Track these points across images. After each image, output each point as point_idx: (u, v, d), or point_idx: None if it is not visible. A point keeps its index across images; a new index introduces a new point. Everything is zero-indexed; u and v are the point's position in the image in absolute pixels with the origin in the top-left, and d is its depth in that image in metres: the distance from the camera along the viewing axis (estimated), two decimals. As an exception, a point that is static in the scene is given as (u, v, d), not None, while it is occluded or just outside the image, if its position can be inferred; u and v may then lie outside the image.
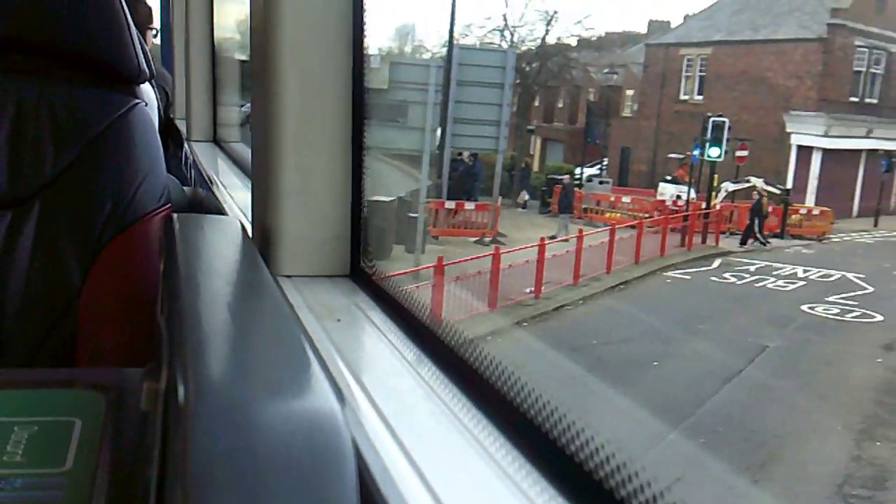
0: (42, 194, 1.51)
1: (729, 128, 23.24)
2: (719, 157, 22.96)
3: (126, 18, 1.57)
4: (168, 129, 2.82)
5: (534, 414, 0.60)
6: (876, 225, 25.02)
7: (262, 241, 1.08)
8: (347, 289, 1.01)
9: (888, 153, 24.85)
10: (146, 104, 1.73)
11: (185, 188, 2.41)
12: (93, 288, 1.51)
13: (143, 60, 1.64)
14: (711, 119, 23.28)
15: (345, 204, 1.05)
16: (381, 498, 0.50)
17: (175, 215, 1.07)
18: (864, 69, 26.48)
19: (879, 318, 13.16)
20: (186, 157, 2.86)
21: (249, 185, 2.08)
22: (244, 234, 1.00)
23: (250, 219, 1.21)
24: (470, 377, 0.69)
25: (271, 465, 0.43)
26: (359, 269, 1.05)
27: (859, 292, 15.17)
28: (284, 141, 1.03)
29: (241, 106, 3.27)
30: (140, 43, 1.64)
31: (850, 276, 16.50)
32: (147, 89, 2.24)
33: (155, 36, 3.34)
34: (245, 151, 2.74)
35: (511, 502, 0.52)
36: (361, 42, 1.03)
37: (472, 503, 0.51)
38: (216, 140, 3.03)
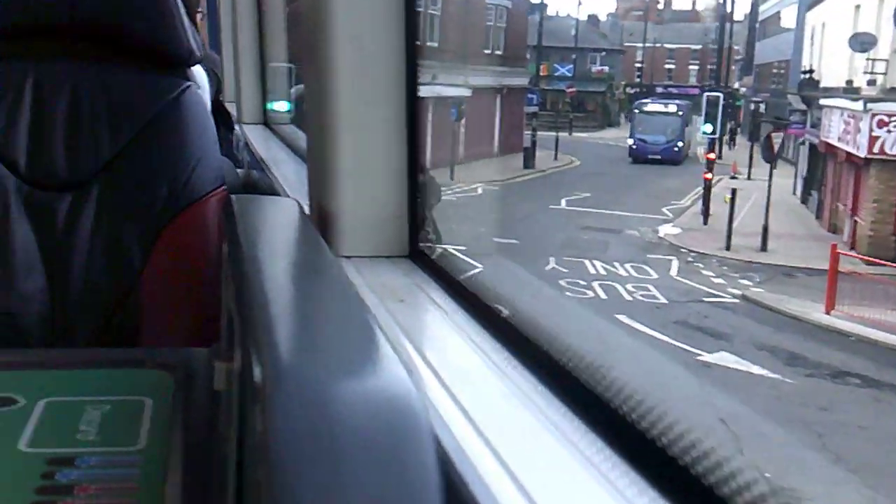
0: (100, 177, 1.55)
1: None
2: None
3: (176, 1, 1.58)
4: (218, 112, 2.85)
5: (610, 397, 0.59)
6: (452, 178, 21.51)
7: (319, 222, 1.09)
8: (407, 269, 1.01)
9: (455, 100, 21.86)
10: (198, 87, 1.76)
11: (238, 170, 2.44)
12: (154, 269, 1.54)
13: (194, 43, 1.66)
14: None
15: (401, 184, 1.05)
16: (459, 476, 0.50)
17: (233, 196, 1.08)
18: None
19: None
20: (238, 140, 2.89)
21: (301, 167, 2.10)
22: (302, 215, 1.01)
23: (307, 199, 1.22)
24: (539, 357, 0.68)
25: (351, 444, 0.43)
26: (417, 250, 1.05)
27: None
28: (340, 121, 1.03)
29: (292, 88, 3.29)
30: (190, 26, 1.66)
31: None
32: (198, 72, 2.27)
33: (202, 19, 3.37)
34: (296, 133, 2.76)
35: (586, 480, 0.51)
36: (414, 19, 1.02)
37: (549, 481, 0.51)
38: (266, 122, 3.06)
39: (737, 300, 13.63)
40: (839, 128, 19.61)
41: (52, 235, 1.54)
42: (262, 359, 0.50)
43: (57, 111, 1.55)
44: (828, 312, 12.68)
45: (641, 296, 13.55)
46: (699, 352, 10.80)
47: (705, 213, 20.58)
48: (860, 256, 14.96)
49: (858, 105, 17.53)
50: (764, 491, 0.45)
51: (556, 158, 29.79)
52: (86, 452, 0.92)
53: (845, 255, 14.30)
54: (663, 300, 13.35)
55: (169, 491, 0.83)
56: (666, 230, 19.55)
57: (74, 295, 1.54)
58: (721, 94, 24.35)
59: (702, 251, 17.34)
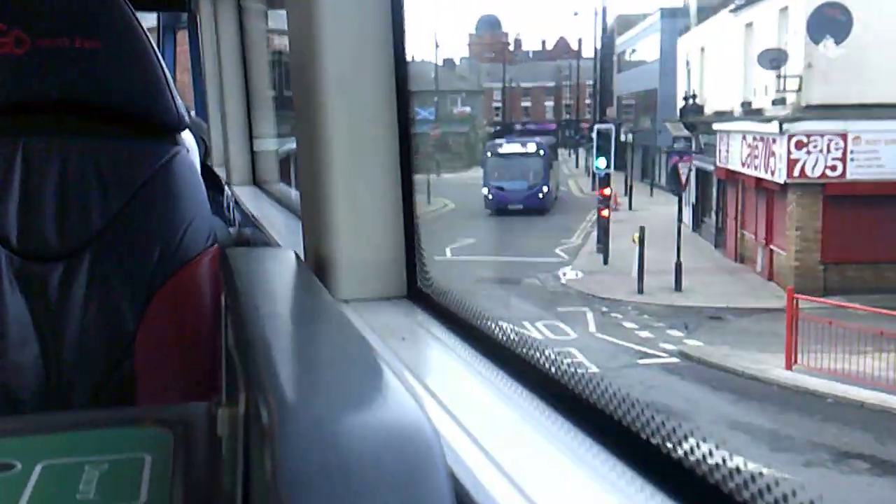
0: (92, 245, 1.55)
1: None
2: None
3: (163, 70, 1.61)
4: (207, 176, 2.88)
5: (620, 415, 0.58)
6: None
7: (317, 269, 1.09)
8: (407, 309, 1.01)
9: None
10: (188, 150, 1.77)
11: (230, 229, 2.44)
12: (148, 331, 1.53)
13: (183, 109, 1.69)
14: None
15: (397, 226, 1.06)
16: (472, 501, 0.50)
17: (229, 250, 1.08)
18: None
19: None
20: (228, 201, 2.91)
21: (293, 220, 2.11)
22: (299, 262, 1.01)
23: (302, 249, 1.22)
24: (547, 384, 0.68)
25: (365, 478, 0.42)
26: (416, 290, 1.05)
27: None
28: (333, 168, 1.04)
29: (278, 150, 3.32)
30: (177, 92, 1.68)
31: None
32: (187, 136, 2.29)
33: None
34: (286, 190, 2.77)
35: (600, 494, 0.50)
36: (404, 64, 1.04)
37: (559, 499, 0.50)
38: (256, 182, 3.08)
39: (676, 359, 11.58)
40: (742, 152, 18.21)
41: (44, 305, 1.53)
42: (268, 399, 0.50)
43: (46, 184, 1.56)
44: (789, 368, 10.81)
45: (567, 366, 11.77)
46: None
47: (605, 252, 19.01)
48: (820, 299, 12.70)
49: (771, 127, 16.03)
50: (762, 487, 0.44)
51: (429, 202, 26.17)
52: (86, 514, 0.90)
53: (808, 299, 12.09)
54: (593, 368, 10.93)
55: None
56: (568, 275, 17.92)
57: (69, 362, 1.53)
58: (613, 126, 22.92)
59: (614, 297, 15.63)
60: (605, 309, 14.84)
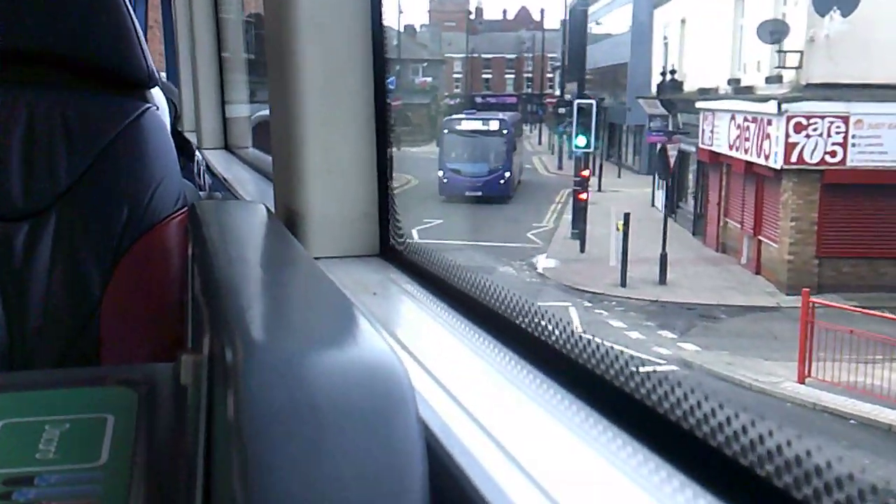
0: (58, 204, 1.51)
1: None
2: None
3: (134, 23, 1.56)
4: (178, 142, 2.83)
5: (584, 359, 0.58)
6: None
7: (287, 224, 1.06)
8: (379, 266, 1.00)
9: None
10: (157, 108, 1.73)
11: (200, 192, 2.40)
12: (114, 293, 1.50)
13: (153, 65, 1.64)
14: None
15: (371, 182, 1.04)
16: (443, 448, 0.49)
17: (198, 203, 1.05)
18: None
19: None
20: (199, 167, 2.85)
21: (264, 183, 2.07)
22: (270, 215, 0.99)
23: (273, 206, 1.19)
24: (517, 335, 0.67)
25: (332, 414, 0.41)
26: (389, 248, 1.03)
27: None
28: (307, 120, 1.02)
29: (251, 115, 3.27)
30: (147, 48, 1.64)
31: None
32: (158, 94, 2.24)
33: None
34: (258, 155, 2.73)
35: (568, 438, 0.50)
36: (381, 17, 1.01)
37: (532, 444, 0.49)
38: (227, 147, 3.03)
39: (674, 366, 10.33)
40: (729, 134, 16.39)
41: (9, 265, 1.49)
42: (234, 339, 0.48)
43: (12, 139, 1.52)
44: (802, 381, 9.60)
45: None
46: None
47: (581, 238, 17.53)
48: (841, 305, 11.03)
49: (767, 106, 14.29)
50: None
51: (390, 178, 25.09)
52: (45, 471, 0.88)
53: (835, 306, 10.65)
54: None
55: (133, 503, 0.79)
56: (544, 263, 16.49)
57: (33, 324, 1.49)
58: (594, 102, 20.41)
59: (595, 290, 14.34)
60: (588, 304, 13.73)
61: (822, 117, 13.90)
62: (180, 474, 0.79)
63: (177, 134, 3.43)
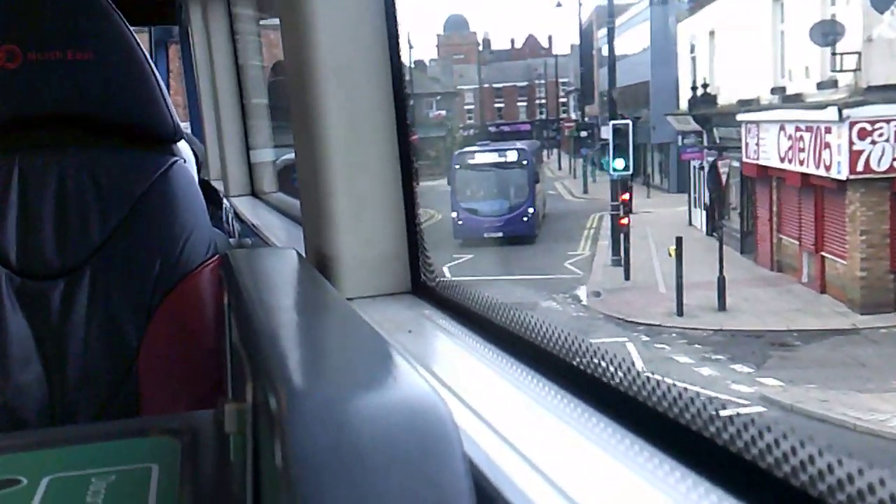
0: (92, 260, 1.54)
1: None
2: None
3: (157, 79, 1.61)
4: (204, 190, 2.88)
5: (639, 394, 0.57)
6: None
7: (319, 268, 1.07)
8: (412, 303, 1.00)
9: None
10: (185, 161, 1.77)
11: (230, 240, 2.43)
12: (151, 344, 1.52)
13: (177, 119, 1.68)
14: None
15: (399, 221, 1.04)
16: (491, 485, 0.48)
17: (231, 252, 1.07)
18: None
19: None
20: (227, 214, 2.90)
21: (293, 227, 2.10)
22: (302, 260, 1.00)
23: (304, 251, 1.21)
24: (558, 367, 0.66)
25: (378, 456, 0.41)
26: (420, 284, 1.04)
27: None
28: (333, 164, 1.03)
29: (275, 160, 3.32)
30: (171, 103, 1.68)
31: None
32: (184, 147, 2.29)
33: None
34: (285, 199, 2.77)
35: (621, 472, 0.49)
36: (399, 59, 1.03)
37: (581, 478, 0.48)
38: (254, 193, 3.07)
39: (761, 407, 9.04)
40: (779, 146, 15.40)
41: (46, 324, 1.52)
42: (276, 386, 0.48)
43: (45, 200, 1.56)
44: None
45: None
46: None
47: (625, 265, 16.29)
48: None
49: (824, 114, 13.27)
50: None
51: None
52: (94, 525, 0.89)
53: None
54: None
55: None
56: (589, 296, 15.39)
57: (72, 380, 1.52)
58: (630, 122, 18.54)
59: (650, 322, 13.02)
60: (645, 338, 12.34)
61: (888, 121, 12.71)
62: None
63: (203, 183, 3.49)
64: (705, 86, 19.76)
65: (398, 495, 0.40)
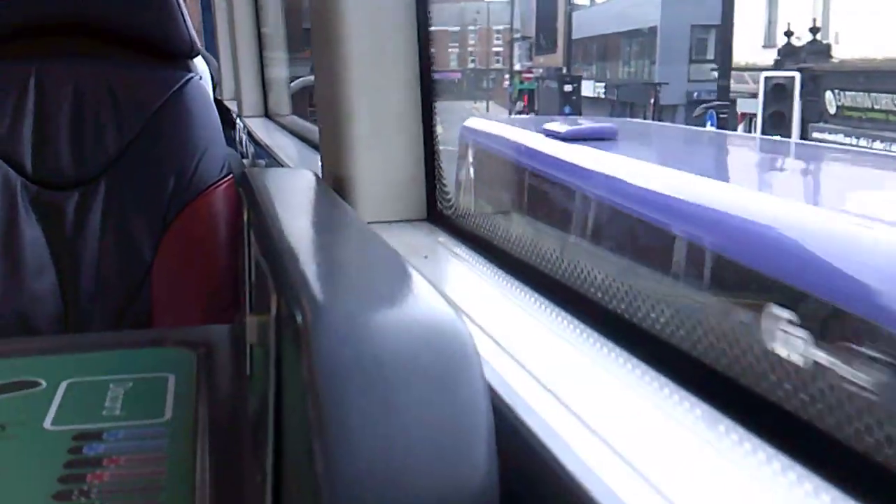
0: (107, 173, 1.55)
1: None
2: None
3: None
4: (218, 109, 2.86)
5: (654, 327, 0.59)
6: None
7: (336, 190, 1.08)
8: (428, 230, 1.01)
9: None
10: (200, 77, 1.75)
11: (244, 160, 2.43)
12: (164, 258, 1.54)
13: (194, 35, 1.66)
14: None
15: (417, 146, 1.05)
16: (506, 404, 0.50)
17: (249, 169, 1.08)
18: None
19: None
20: (240, 135, 2.89)
21: (305, 150, 2.10)
22: (318, 180, 1.01)
23: (320, 172, 1.21)
24: (573, 298, 0.68)
25: (399, 369, 0.43)
26: (436, 212, 1.05)
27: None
28: (353, 87, 1.03)
29: (291, 81, 3.28)
30: (188, 18, 1.66)
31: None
32: (200, 63, 2.27)
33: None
34: (295, 121, 2.75)
35: (635, 399, 0.51)
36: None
37: (594, 401, 0.50)
38: (268, 114, 3.06)
39: None
40: None
41: (61, 234, 1.55)
42: (302, 301, 0.50)
43: (61, 110, 1.56)
44: None
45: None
46: None
47: None
48: None
49: None
50: None
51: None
52: (112, 427, 0.92)
53: None
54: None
55: (199, 457, 0.83)
56: None
57: (86, 291, 1.55)
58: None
59: None
60: None
61: None
62: (243, 429, 0.83)
63: (217, 102, 3.46)
64: (814, 30, 12.91)
65: (419, 407, 0.42)
